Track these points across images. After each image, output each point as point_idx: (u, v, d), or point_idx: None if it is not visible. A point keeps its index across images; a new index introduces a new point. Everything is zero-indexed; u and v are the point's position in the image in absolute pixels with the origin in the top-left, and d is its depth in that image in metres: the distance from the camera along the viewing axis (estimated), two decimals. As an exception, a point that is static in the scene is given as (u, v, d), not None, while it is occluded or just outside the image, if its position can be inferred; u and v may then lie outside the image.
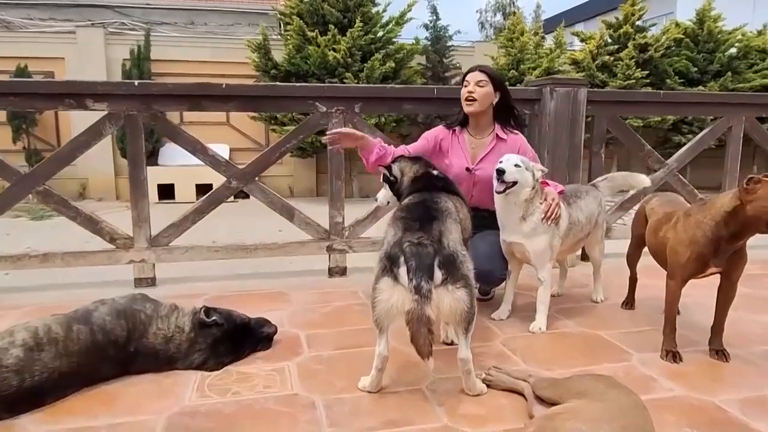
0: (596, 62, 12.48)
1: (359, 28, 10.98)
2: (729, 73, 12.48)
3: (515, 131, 3.20)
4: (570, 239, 2.98)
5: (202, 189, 10.98)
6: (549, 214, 2.78)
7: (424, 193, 2.44)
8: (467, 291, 2.11)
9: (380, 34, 11.48)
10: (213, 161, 3.60)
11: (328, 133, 2.96)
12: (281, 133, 10.91)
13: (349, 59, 10.84)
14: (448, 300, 2.07)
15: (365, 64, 10.94)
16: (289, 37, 11.23)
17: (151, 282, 3.58)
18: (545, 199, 2.81)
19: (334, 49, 10.76)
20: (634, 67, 12.11)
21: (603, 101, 3.96)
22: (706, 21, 12.91)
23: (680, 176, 4.23)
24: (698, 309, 3.05)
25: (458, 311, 2.09)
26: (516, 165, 2.72)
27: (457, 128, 3.16)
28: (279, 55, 11.36)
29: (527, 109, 3.92)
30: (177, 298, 3.33)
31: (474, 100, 3.00)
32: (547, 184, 2.91)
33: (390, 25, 11.60)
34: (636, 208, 4.23)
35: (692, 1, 19.64)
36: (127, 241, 3.51)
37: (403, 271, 2.06)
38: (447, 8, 12.42)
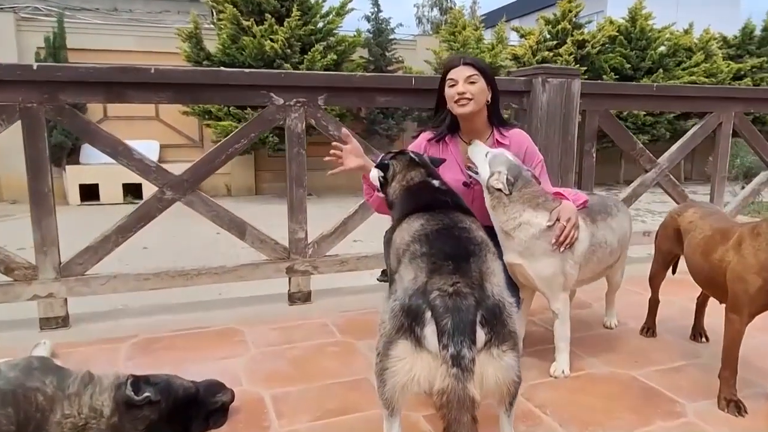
0: (536, 57, 12.19)
1: (297, 18, 10.16)
2: (660, 70, 12.53)
3: (515, 126, 2.58)
4: (593, 265, 2.35)
5: (130, 189, 9.88)
6: (561, 238, 2.15)
7: (437, 213, 1.77)
8: (515, 354, 1.47)
9: (320, 24, 10.70)
10: (141, 167, 2.76)
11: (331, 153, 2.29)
12: (216, 128, 9.95)
13: (288, 50, 10.00)
14: (494, 369, 1.42)
15: (305, 56, 10.15)
16: (222, 27, 10.26)
17: (63, 322, 2.72)
18: (558, 219, 2.18)
19: (271, 39, 9.88)
20: (573, 63, 11.91)
21: (595, 94, 3.41)
22: (638, 19, 12.90)
23: (671, 177, 3.77)
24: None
25: (506, 384, 1.45)
26: (486, 153, 2.23)
27: (447, 137, 2.47)
28: (212, 45, 10.37)
29: (515, 103, 3.31)
30: (96, 343, 2.53)
31: (469, 99, 2.29)
32: (562, 195, 2.29)
33: (330, 16, 10.84)
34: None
35: (620, 1, 19.92)
36: (29, 271, 2.64)
37: (431, 331, 1.40)
38: (384, 1, 11.76)
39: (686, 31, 13.41)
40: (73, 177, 10.05)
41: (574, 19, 12.47)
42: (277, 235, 3.10)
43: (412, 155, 2.07)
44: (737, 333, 2.01)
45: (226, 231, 2.95)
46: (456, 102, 2.31)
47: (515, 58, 12.37)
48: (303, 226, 3.02)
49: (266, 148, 10.23)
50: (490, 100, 2.39)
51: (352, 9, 11.06)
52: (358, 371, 2.28)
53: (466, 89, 2.29)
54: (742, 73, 13.47)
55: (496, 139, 2.44)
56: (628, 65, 12.48)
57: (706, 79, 12.47)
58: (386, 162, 2.06)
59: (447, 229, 1.65)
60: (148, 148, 10.11)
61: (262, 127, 2.94)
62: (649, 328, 2.69)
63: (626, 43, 12.79)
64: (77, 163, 10.22)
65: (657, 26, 13.00)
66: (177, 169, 2.90)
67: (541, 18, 12.91)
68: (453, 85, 2.32)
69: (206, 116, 10.22)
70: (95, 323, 2.79)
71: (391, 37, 11.92)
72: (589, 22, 13.21)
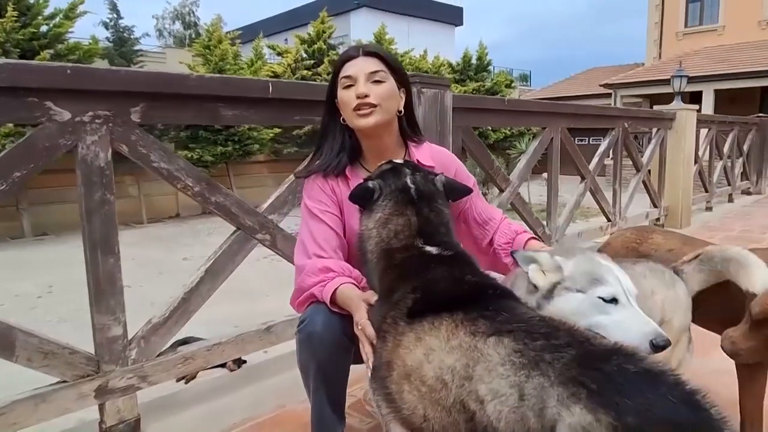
0: (296, 76, 11.72)
1: (13, 19, 7.89)
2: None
3: (424, 139, 1.84)
4: None
5: None
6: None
7: (503, 320, 0.94)
8: None
9: (45, 28, 8.48)
10: None
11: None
12: None
13: (3, 57, 7.63)
14: None
15: (28, 65, 7.88)
16: None
17: None
18: None
19: (-24, 43, 7.45)
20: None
21: (460, 108, 2.87)
22: (384, 44, 13.38)
23: (521, 194, 3.47)
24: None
25: None
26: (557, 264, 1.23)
27: (348, 168, 1.58)
28: None
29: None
30: None
31: (373, 106, 1.46)
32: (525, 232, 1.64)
33: (57, 19, 8.69)
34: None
35: (362, 26, 20.79)
36: None
37: None
38: (121, 10, 9.96)
39: (422, 57, 14.39)
40: None
41: (328, 40, 12.34)
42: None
43: (408, 180, 1.28)
44: (762, 388, 1.62)
45: (-26, 350, 1.58)
46: (355, 110, 1.46)
47: (275, 75, 11.69)
48: (119, 316, 1.80)
49: None
50: (403, 108, 1.59)
51: (85, 12, 9.07)
52: None
53: (369, 90, 1.46)
54: (467, 95, 15.02)
55: (416, 161, 1.66)
56: (380, 86, 12.86)
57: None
58: (369, 185, 1.29)
59: (602, 359, 0.82)
60: None
61: (33, 160, 1.63)
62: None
63: (376, 65, 13.16)
64: None
65: (399, 51, 13.68)
66: None
67: (296, 37, 12.49)
68: (350, 86, 1.47)
69: None
70: None
71: (137, 47, 10.14)
72: (342, 43, 13.27)
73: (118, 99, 1.75)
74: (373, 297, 1.23)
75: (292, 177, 2.23)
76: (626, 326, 1.08)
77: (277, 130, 11.02)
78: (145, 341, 1.88)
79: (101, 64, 9.50)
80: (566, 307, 1.12)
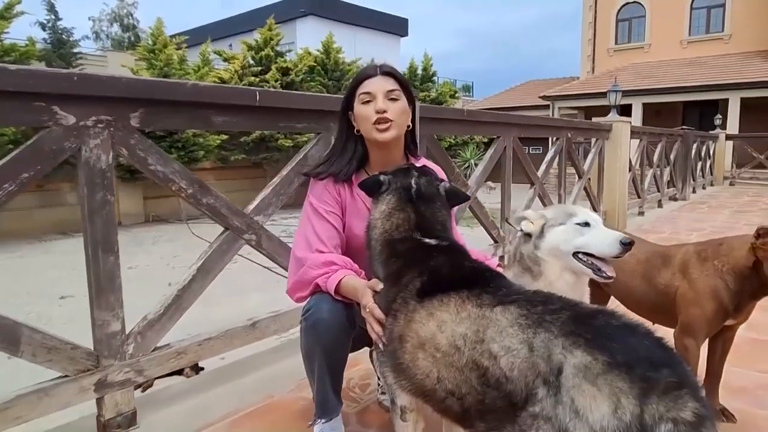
0: (243, 82, 11.71)
1: (-57, 17, 7.52)
2: (354, 99, 13.41)
3: (420, 156, 2.05)
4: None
5: None
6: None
7: (502, 292, 1.16)
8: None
9: (-22, 27, 8.14)
10: None
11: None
12: None
13: None
14: None
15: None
16: None
17: None
18: None
19: None
20: (280, 89, 11.81)
21: (425, 118, 3.10)
22: (331, 52, 13.57)
23: (477, 198, 3.73)
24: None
25: None
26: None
27: (354, 175, 1.73)
28: None
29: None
30: None
31: (391, 121, 1.63)
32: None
33: (-8, 18, 8.35)
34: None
35: (309, 34, 20.85)
36: None
37: None
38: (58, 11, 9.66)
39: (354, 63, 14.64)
40: None
41: (276, 47, 12.39)
42: None
43: (412, 181, 1.48)
44: (695, 358, 1.90)
45: (-18, 345, 1.63)
46: (376, 124, 1.63)
47: (222, 81, 11.63)
48: (118, 312, 1.88)
49: None
50: (410, 124, 1.79)
51: (22, 13, 8.75)
52: None
53: (386, 106, 1.63)
54: (432, 105, 15.42)
55: None
56: (328, 94, 13.00)
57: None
58: (381, 178, 1.50)
59: (591, 317, 1.04)
60: None
61: (40, 162, 1.70)
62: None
63: (323, 73, 13.32)
64: None
65: (347, 60, 13.89)
66: None
67: (243, 43, 12.47)
68: (368, 101, 1.64)
69: None
70: None
71: (77, 50, 9.85)
72: (290, 51, 13.35)
73: (119, 104, 1.85)
74: (378, 285, 1.40)
75: (277, 179, 2.38)
76: (600, 237, 1.47)
77: (224, 137, 10.94)
78: (141, 336, 1.96)
79: (39, 66, 9.17)
80: (555, 238, 1.52)
